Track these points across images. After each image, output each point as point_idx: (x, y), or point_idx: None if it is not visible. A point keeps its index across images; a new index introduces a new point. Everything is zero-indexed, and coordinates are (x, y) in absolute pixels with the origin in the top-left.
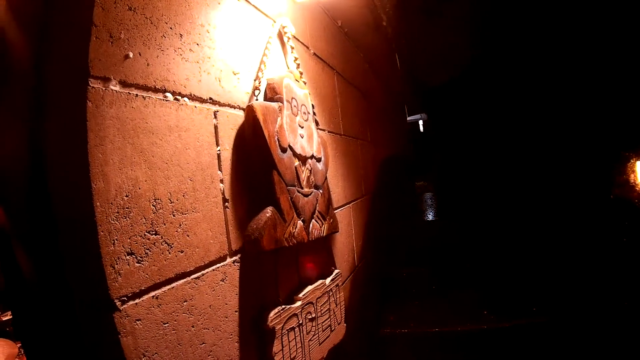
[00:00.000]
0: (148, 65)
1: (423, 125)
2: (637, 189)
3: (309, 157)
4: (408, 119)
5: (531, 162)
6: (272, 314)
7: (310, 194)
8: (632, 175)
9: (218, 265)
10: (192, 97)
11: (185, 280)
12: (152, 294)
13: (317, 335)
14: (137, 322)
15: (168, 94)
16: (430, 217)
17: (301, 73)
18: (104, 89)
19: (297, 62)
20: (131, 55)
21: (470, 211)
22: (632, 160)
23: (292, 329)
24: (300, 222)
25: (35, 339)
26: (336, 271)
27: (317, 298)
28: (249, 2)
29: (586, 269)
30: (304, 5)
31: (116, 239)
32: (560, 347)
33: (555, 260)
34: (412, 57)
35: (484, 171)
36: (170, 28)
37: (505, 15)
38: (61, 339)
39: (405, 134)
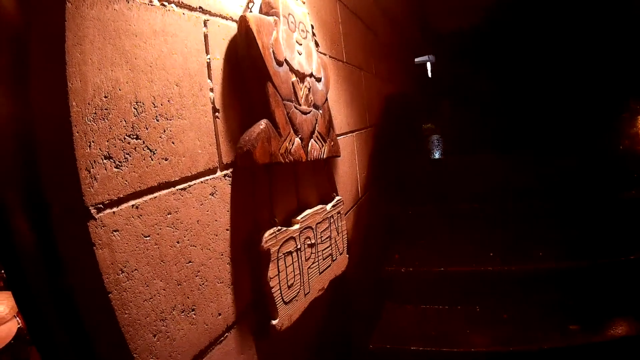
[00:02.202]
0: None
1: (431, 68)
2: None
3: (307, 75)
4: (416, 60)
5: (539, 112)
6: (267, 234)
7: (309, 112)
8: None
9: (207, 177)
10: (180, 4)
11: (169, 190)
12: (132, 202)
13: (317, 263)
14: (115, 232)
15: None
16: (437, 155)
17: None
18: None
19: None
20: None
21: (477, 152)
22: None
23: (290, 253)
24: (297, 140)
25: (10, 253)
26: (338, 197)
27: (317, 223)
28: None
29: (595, 219)
30: None
31: (92, 141)
32: (567, 293)
33: (565, 208)
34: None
35: (492, 114)
36: None
37: None
38: (37, 253)
39: (412, 75)
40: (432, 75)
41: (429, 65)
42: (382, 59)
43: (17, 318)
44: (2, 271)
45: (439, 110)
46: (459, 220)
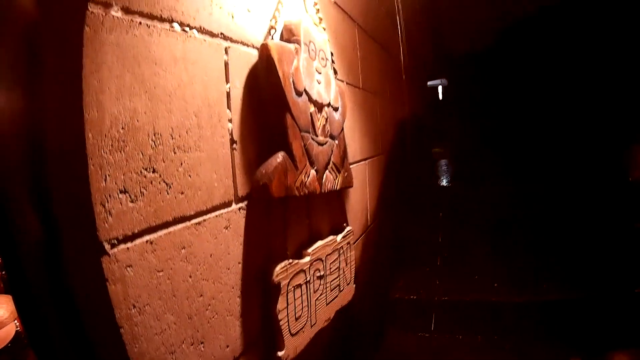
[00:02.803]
0: None
1: (442, 91)
2: None
3: (325, 105)
4: (428, 83)
5: (550, 138)
6: (278, 268)
7: (325, 143)
8: None
9: (222, 211)
10: (202, 30)
11: (184, 224)
12: (147, 238)
13: (324, 294)
14: (128, 268)
15: (175, 24)
16: (446, 182)
17: (320, 19)
18: (104, 14)
19: (317, 7)
20: None
21: (487, 180)
22: None
23: (299, 285)
24: (313, 172)
25: (20, 280)
26: (348, 228)
27: (327, 255)
28: None
29: (601, 251)
30: None
31: (108, 175)
32: (569, 327)
33: (572, 239)
34: (438, 22)
35: (502, 142)
36: None
37: None
38: (47, 286)
39: (424, 97)
40: (443, 98)
41: (440, 88)
42: (396, 81)
43: (16, 322)
44: (3, 272)
45: (449, 134)
46: (466, 248)
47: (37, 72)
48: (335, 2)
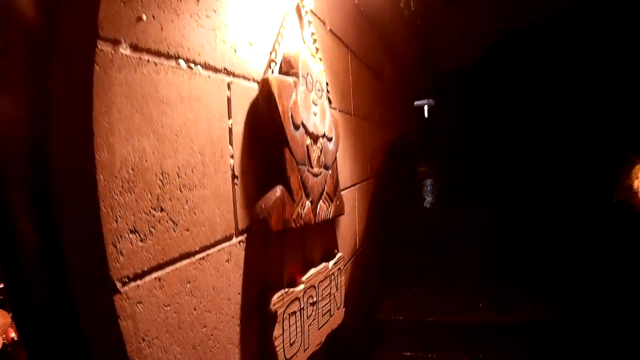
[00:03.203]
0: (162, 29)
1: (428, 110)
2: None
3: (320, 136)
4: (415, 103)
5: (535, 158)
6: (275, 297)
7: (319, 174)
8: (636, 181)
9: (224, 244)
10: (206, 66)
11: (189, 260)
12: (155, 275)
13: (316, 319)
14: (139, 304)
15: (181, 61)
16: (431, 204)
17: (317, 49)
18: (113, 52)
19: (314, 37)
20: (144, 17)
21: (471, 201)
22: (637, 167)
23: (294, 313)
24: (308, 203)
25: (29, 317)
26: (339, 254)
27: (320, 281)
28: None
29: (585, 271)
30: None
31: (119, 216)
32: (554, 346)
33: (556, 259)
34: (427, 40)
35: (487, 162)
36: None
37: (520, 15)
38: (56, 319)
39: (411, 117)
40: (430, 117)
41: (426, 108)
42: (385, 104)
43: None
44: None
45: (435, 153)
46: (451, 269)
47: (47, 113)
48: (330, 30)
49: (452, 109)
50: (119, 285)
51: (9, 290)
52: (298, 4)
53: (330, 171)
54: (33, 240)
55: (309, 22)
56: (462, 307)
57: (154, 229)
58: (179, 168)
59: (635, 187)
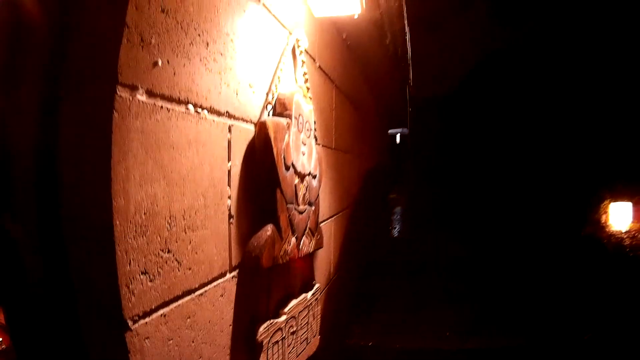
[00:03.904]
0: (175, 74)
1: (401, 139)
2: (607, 229)
3: (307, 174)
4: (389, 132)
5: (505, 189)
6: (261, 328)
7: (304, 211)
8: (604, 216)
9: (219, 280)
10: (212, 110)
11: (190, 297)
12: (161, 312)
13: (295, 347)
14: (146, 340)
15: (190, 106)
16: (400, 232)
17: (308, 88)
18: (130, 98)
19: (306, 76)
20: (160, 62)
21: (442, 229)
22: (605, 202)
23: (277, 342)
24: (294, 239)
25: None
26: (317, 285)
27: (299, 312)
28: (270, 11)
29: (552, 300)
30: (318, 18)
31: (132, 259)
32: None
33: (524, 289)
34: (407, 72)
35: (457, 191)
36: (199, 35)
37: (495, 44)
38: (64, 356)
39: (385, 146)
40: (403, 145)
41: (398, 136)
42: (362, 135)
43: None
44: None
45: (406, 181)
46: (419, 296)
47: (69, 158)
48: (319, 67)
49: (424, 138)
50: (130, 323)
51: (19, 332)
52: (294, 45)
53: (313, 207)
54: (47, 286)
55: (303, 62)
56: (430, 334)
57: (162, 269)
58: (184, 211)
59: (603, 221)
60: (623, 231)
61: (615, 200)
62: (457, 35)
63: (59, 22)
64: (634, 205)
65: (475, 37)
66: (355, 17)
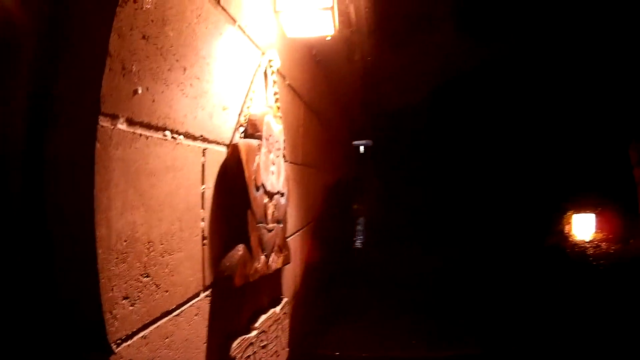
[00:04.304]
0: (153, 101)
1: (365, 150)
2: (571, 239)
3: (275, 193)
4: (353, 143)
5: (468, 201)
6: (234, 344)
7: (273, 230)
8: (567, 227)
9: (194, 300)
10: (187, 135)
11: (168, 318)
12: (142, 334)
13: None
14: None
15: (167, 132)
16: (364, 242)
17: (278, 107)
18: (112, 127)
19: (277, 96)
20: (140, 90)
21: (404, 240)
22: (568, 213)
23: (249, 356)
24: (263, 257)
25: None
26: (285, 300)
27: (269, 326)
28: (244, 32)
29: (516, 309)
30: (290, 37)
31: (115, 285)
32: None
33: (487, 297)
34: (373, 87)
35: (419, 202)
36: (177, 60)
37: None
38: None
39: (349, 157)
40: (366, 156)
41: (362, 147)
42: (328, 148)
43: None
44: None
45: (369, 192)
46: (386, 306)
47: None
48: (289, 84)
49: (388, 149)
50: (114, 347)
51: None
52: (267, 66)
53: (281, 225)
54: (36, 316)
55: (274, 82)
56: (396, 343)
57: (141, 293)
58: (162, 236)
59: (567, 232)
60: (586, 241)
61: (579, 212)
62: (423, 51)
63: (41, 51)
64: (597, 216)
65: (440, 53)
66: (328, 38)
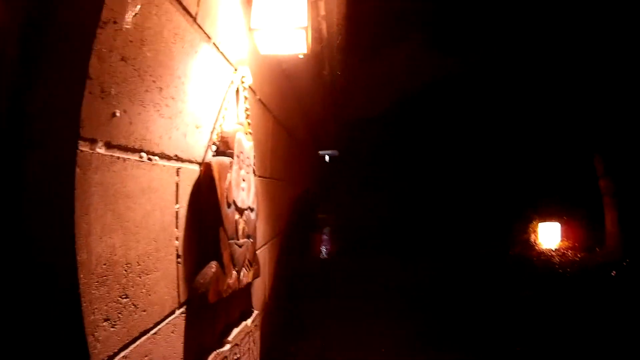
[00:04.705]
0: (131, 124)
1: (331, 160)
2: (537, 248)
3: (246, 209)
4: (319, 152)
5: (434, 211)
6: (209, 359)
7: (244, 245)
8: (532, 235)
9: (170, 318)
10: (162, 156)
11: (146, 336)
12: (123, 354)
13: None
14: None
15: (143, 154)
16: (330, 251)
17: (249, 123)
18: (91, 152)
19: (248, 112)
20: (118, 113)
21: (370, 250)
22: (534, 221)
23: None
24: (235, 273)
25: None
26: (255, 312)
27: (242, 339)
28: (218, 49)
29: (484, 315)
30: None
31: (96, 308)
32: None
33: (455, 306)
34: (340, 99)
35: (385, 212)
36: (154, 81)
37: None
38: None
39: (316, 167)
40: (333, 166)
41: (327, 157)
42: (295, 160)
43: None
44: None
45: (334, 200)
46: (352, 315)
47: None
48: (259, 99)
49: (354, 159)
50: None
51: None
52: (239, 83)
53: (251, 239)
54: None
55: (245, 98)
56: (364, 351)
57: (121, 314)
58: (139, 257)
59: (532, 240)
60: (552, 249)
61: (545, 221)
62: (389, 65)
63: (18, 74)
64: (563, 225)
65: (405, 66)
66: (301, 57)
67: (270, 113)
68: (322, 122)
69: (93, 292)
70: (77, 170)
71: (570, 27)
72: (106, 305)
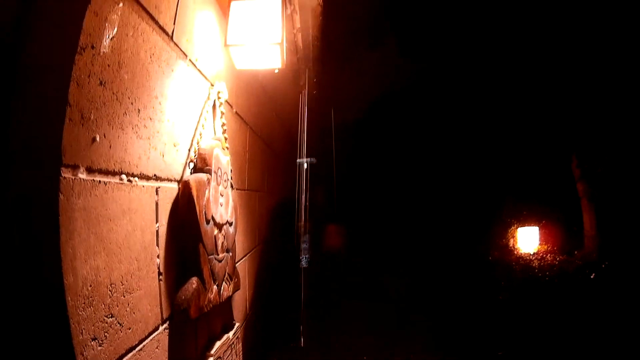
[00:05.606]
0: (110, 147)
1: (309, 167)
2: (516, 252)
3: (224, 224)
4: (297, 161)
5: (412, 216)
6: None
7: (223, 259)
8: (511, 240)
9: (154, 334)
10: (141, 176)
11: (132, 353)
12: None
13: None
14: None
15: (123, 176)
16: (310, 260)
17: (226, 138)
18: (73, 178)
19: (224, 127)
20: (97, 138)
21: (347, 256)
22: (513, 227)
23: None
24: (215, 287)
25: None
26: (237, 325)
27: (224, 352)
28: (195, 66)
29: (467, 321)
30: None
31: (84, 328)
32: None
33: (437, 311)
34: (316, 108)
35: (363, 218)
36: (131, 103)
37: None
38: None
39: (294, 176)
40: (311, 174)
41: (306, 164)
42: (273, 171)
43: None
44: None
45: (313, 208)
46: (332, 324)
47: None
48: (236, 112)
49: (330, 166)
50: None
51: None
52: (215, 98)
53: (230, 253)
54: None
55: (222, 113)
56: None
57: (107, 333)
58: (122, 277)
59: (511, 245)
60: (531, 253)
61: (523, 225)
62: (362, 74)
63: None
64: (541, 228)
65: (380, 72)
66: (276, 71)
67: (247, 125)
68: (299, 131)
69: (80, 313)
70: (61, 196)
71: (548, 29)
72: (93, 325)
